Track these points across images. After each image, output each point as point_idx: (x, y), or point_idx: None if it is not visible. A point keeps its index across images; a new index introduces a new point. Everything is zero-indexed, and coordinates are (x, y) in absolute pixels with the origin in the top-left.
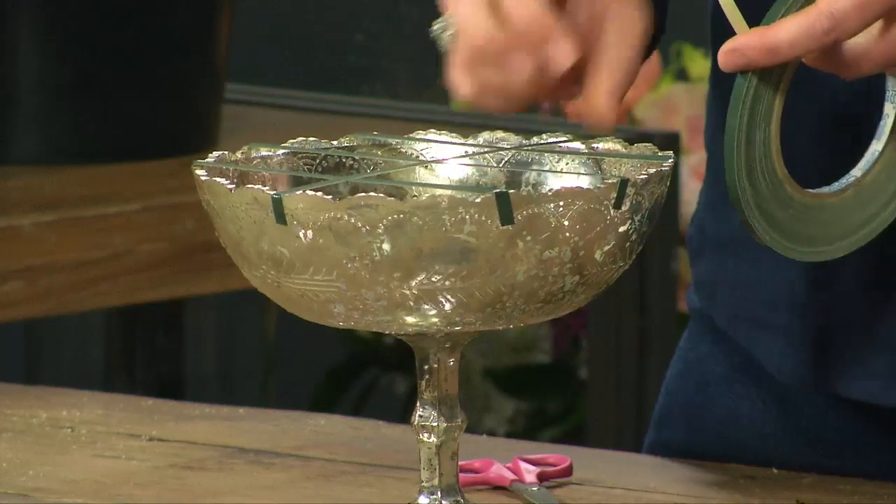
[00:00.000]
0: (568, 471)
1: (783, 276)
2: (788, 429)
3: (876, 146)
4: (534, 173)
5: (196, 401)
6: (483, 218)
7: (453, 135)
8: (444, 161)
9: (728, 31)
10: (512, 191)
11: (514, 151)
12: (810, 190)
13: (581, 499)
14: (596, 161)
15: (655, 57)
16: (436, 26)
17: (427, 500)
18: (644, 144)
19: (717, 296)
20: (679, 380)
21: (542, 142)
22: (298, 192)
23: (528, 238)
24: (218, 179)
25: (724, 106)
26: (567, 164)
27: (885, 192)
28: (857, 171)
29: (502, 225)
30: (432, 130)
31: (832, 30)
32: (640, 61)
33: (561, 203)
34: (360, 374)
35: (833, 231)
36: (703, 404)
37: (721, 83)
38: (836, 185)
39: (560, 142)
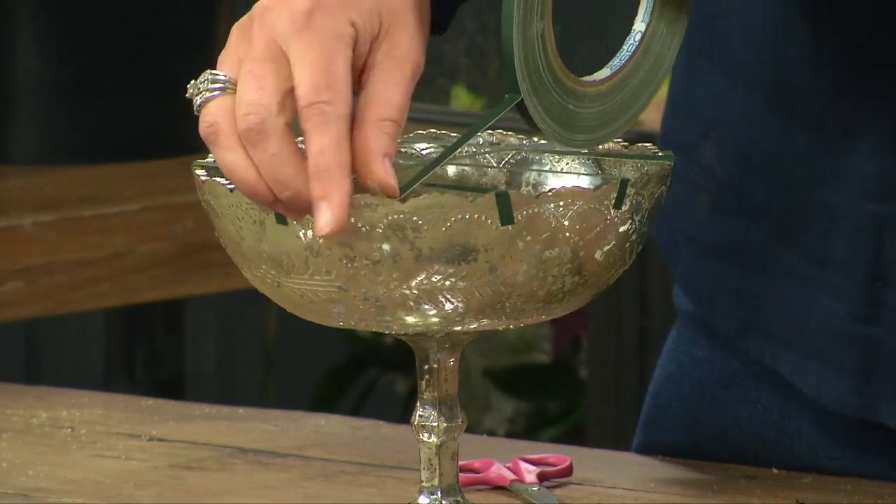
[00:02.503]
0: (568, 471)
1: (815, 299)
2: (789, 431)
3: (639, 26)
4: (534, 173)
5: (196, 401)
6: (483, 218)
7: (453, 135)
8: (444, 161)
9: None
10: (512, 191)
11: (514, 151)
12: (584, 78)
13: (581, 499)
14: (596, 161)
15: None
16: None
17: (427, 500)
18: (644, 144)
19: (717, 304)
20: (671, 383)
21: (543, 142)
22: None
23: (528, 238)
24: (218, 179)
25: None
26: (567, 164)
27: (641, 76)
28: (620, 58)
29: (502, 225)
30: (432, 130)
31: None
32: (409, 98)
33: (561, 203)
34: (360, 374)
35: (600, 119)
36: (699, 408)
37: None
38: (605, 72)
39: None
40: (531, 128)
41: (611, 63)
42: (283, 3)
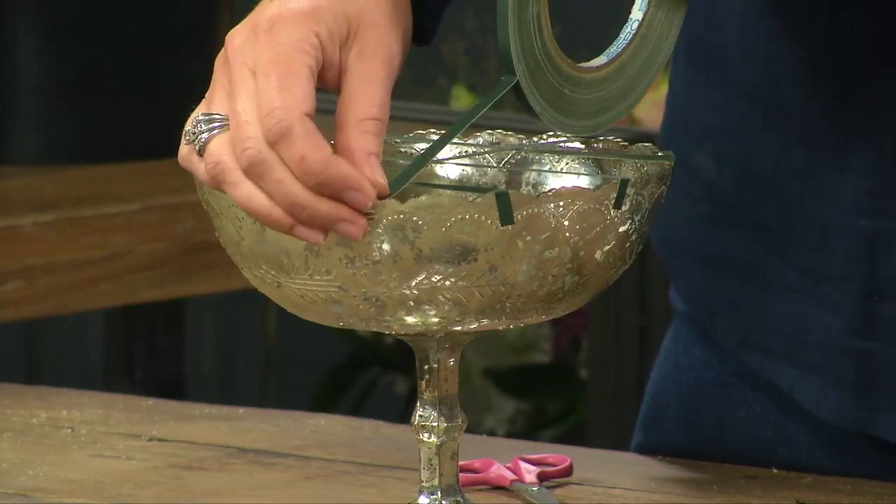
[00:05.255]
0: (568, 471)
1: (812, 314)
2: (787, 431)
3: (636, 15)
4: (534, 173)
5: (196, 401)
6: (483, 218)
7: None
8: (444, 161)
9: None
10: (512, 191)
11: (513, 151)
12: (581, 64)
13: (581, 499)
14: (596, 161)
15: None
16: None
17: (427, 500)
18: (644, 144)
19: (717, 317)
20: (669, 382)
21: (542, 142)
22: None
23: (528, 238)
24: None
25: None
26: (567, 164)
27: (639, 65)
28: (617, 46)
29: (502, 225)
30: (432, 130)
31: None
32: (388, 95)
33: (561, 203)
34: (360, 374)
35: (597, 105)
36: (697, 408)
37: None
38: (602, 59)
39: (560, 142)
40: (527, 111)
41: (608, 50)
42: (247, 26)
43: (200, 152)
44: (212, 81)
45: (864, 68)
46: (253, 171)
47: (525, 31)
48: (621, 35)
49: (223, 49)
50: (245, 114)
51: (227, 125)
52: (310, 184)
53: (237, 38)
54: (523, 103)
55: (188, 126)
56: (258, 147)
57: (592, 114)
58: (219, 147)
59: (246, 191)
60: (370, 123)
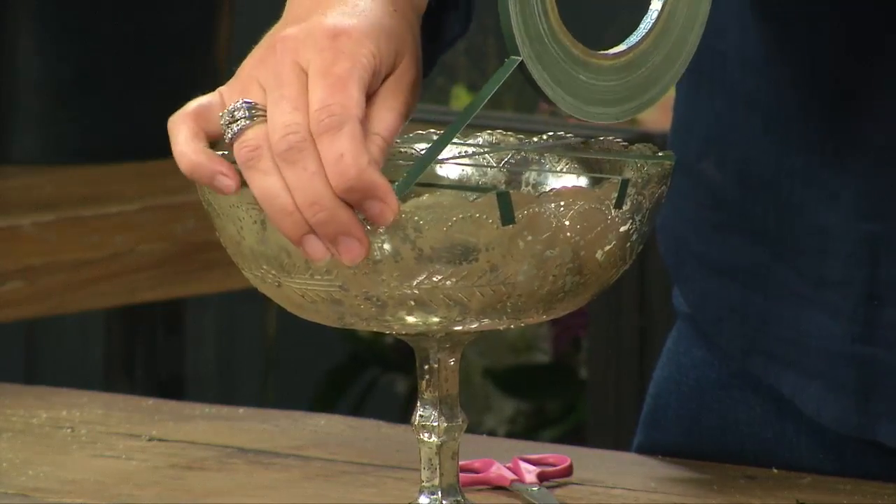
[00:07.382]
0: (568, 471)
1: (814, 318)
2: (788, 432)
3: (655, 5)
4: (534, 173)
5: (196, 401)
6: (484, 217)
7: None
8: (444, 161)
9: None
10: (513, 190)
11: (514, 151)
12: (599, 52)
13: (581, 499)
14: (597, 161)
15: None
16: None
17: (427, 500)
18: (644, 144)
19: (723, 324)
20: (670, 383)
21: (543, 142)
22: None
23: (529, 238)
24: None
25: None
26: (567, 164)
27: (661, 56)
28: (637, 35)
29: (503, 225)
30: (432, 130)
31: None
32: (398, 129)
33: (562, 203)
34: (360, 374)
35: (617, 94)
36: (698, 409)
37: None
38: (621, 47)
39: (560, 142)
40: (538, 94)
41: (628, 39)
42: (305, 30)
43: (233, 138)
44: (241, 74)
45: (862, 72)
46: (288, 157)
47: (528, 13)
48: (641, 24)
49: (268, 45)
50: (295, 102)
51: (265, 117)
52: (340, 185)
53: (291, 40)
54: (532, 85)
55: (224, 111)
56: (303, 134)
57: (614, 101)
58: (257, 133)
59: (273, 183)
60: (380, 139)
